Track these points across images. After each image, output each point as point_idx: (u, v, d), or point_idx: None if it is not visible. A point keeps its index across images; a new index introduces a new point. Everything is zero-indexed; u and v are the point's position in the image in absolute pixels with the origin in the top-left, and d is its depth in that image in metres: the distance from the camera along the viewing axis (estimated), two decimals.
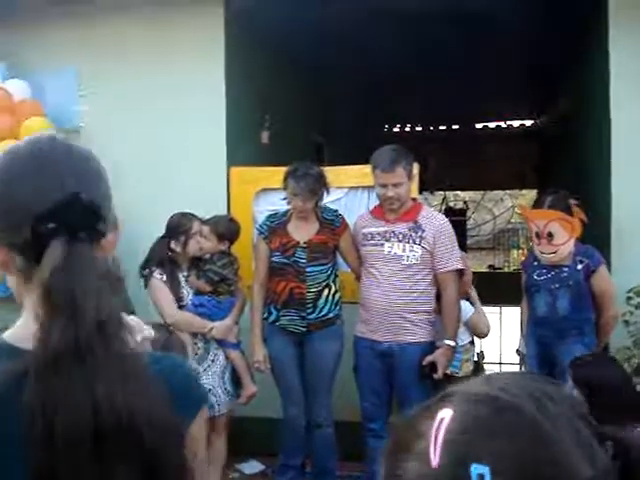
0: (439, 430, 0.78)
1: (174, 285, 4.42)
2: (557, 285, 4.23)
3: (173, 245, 4.42)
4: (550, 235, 4.18)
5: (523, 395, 0.79)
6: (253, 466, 5.32)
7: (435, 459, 0.77)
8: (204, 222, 4.51)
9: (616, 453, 0.78)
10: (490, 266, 20.43)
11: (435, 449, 0.77)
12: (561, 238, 4.17)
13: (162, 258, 4.43)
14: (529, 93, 10.55)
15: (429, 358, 4.25)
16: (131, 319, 1.36)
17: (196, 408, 1.23)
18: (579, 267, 4.19)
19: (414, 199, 4.49)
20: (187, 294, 4.45)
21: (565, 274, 4.21)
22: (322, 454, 4.53)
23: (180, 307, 4.42)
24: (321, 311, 4.38)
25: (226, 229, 4.53)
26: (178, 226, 4.43)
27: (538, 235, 4.24)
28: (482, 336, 4.85)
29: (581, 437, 0.76)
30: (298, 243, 4.39)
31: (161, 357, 1.26)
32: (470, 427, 0.78)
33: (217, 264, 4.46)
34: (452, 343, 4.31)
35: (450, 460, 0.76)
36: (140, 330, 1.36)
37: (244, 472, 5.25)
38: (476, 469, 0.74)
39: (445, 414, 0.79)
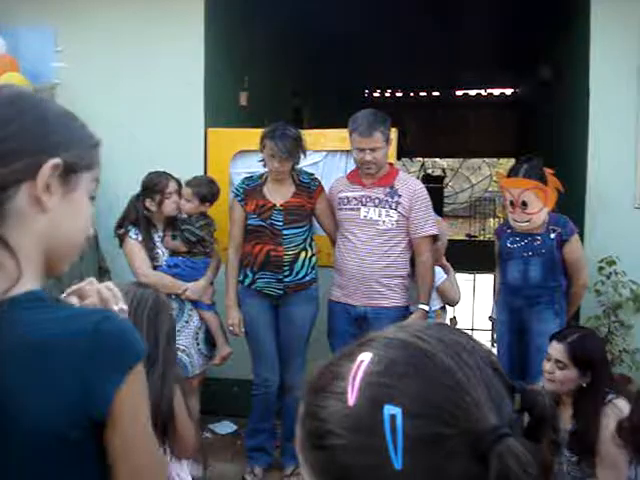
0: (357, 371, 0.83)
1: (149, 245, 4.40)
2: (530, 253, 4.26)
3: (148, 204, 4.39)
4: (524, 204, 4.19)
5: (438, 343, 0.84)
6: (226, 426, 5.35)
7: (352, 399, 0.81)
8: (186, 184, 4.48)
9: (523, 406, 0.85)
10: (467, 234, 20.55)
11: (352, 389, 0.82)
12: (535, 207, 4.19)
13: (137, 217, 4.40)
14: (510, 61, 10.54)
15: (404, 323, 4.27)
16: (108, 288, 1.32)
17: (123, 367, 1.12)
18: (552, 236, 4.22)
19: (391, 164, 4.48)
20: (162, 254, 4.44)
21: (538, 242, 4.24)
22: (294, 415, 4.54)
23: (155, 267, 4.41)
24: (297, 274, 4.38)
25: (208, 191, 4.51)
26: (154, 185, 4.40)
27: (512, 203, 4.25)
28: (453, 304, 4.89)
29: (492, 388, 0.81)
30: (274, 205, 4.37)
31: (93, 311, 1.19)
32: (386, 370, 0.82)
33: (195, 225, 4.45)
34: (426, 307, 4.34)
35: (366, 400, 0.81)
36: (116, 302, 1.31)
37: (217, 432, 5.28)
38: (388, 410, 0.78)
39: (364, 357, 0.84)
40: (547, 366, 3.23)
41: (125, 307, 1.34)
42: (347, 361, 0.86)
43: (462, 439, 0.77)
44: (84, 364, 1.07)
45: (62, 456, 1.09)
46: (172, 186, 4.42)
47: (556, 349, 3.21)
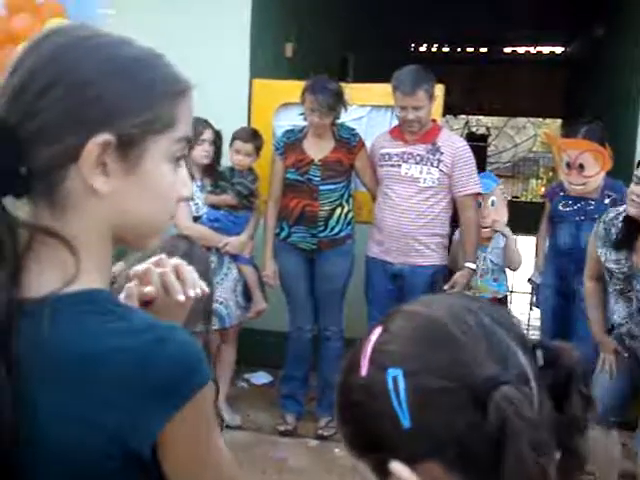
0: (368, 344, 0.89)
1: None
2: (582, 217, 4.16)
3: None
4: (581, 166, 4.06)
5: (442, 309, 0.89)
6: (261, 377, 5.42)
7: (364, 369, 0.88)
8: (239, 138, 4.47)
9: (546, 361, 0.87)
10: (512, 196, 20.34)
11: (364, 360, 0.88)
12: (592, 170, 4.06)
13: None
14: (560, 19, 10.29)
15: (450, 282, 4.28)
16: (178, 270, 1.14)
17: (176, 400, 0.91)
18: (606, 201, 4.11)
19: (434, 121, 4.43)
20: (201, 206, 4.44)
21: (592, 207, 4.14)
22: (329, 367, 4.59)
23: (194, 219, 4.42)
24: (332, 230, 4.39)
25: (260, 143, 4.53)
26: None
27: (569, 165, 4.12)
28: (512, 267, 4.84)
29: (494, 342, 0.85)
30: (313, 161, 4.36)
31: (149, 326, 0.93)
32: (391, 338, 0.88)
33: (247, 178, 4.48)
34: (473, 266, 4.33)
35: (373, 368, 0.87)
36: (188, 288, 1.13)
37: (252, 382, 5.36)
38: (390, 372, 0.85)
39: (376, 331, 0.91)
40: (636, 189, 3.18)
41: (199, 291, 1.15)
42: (366, 338, 0.91)
43: (464, 391, 0.82)
44: (127, 393, 0.89)
45: None
46: (207, 134, 4.41)
47: None
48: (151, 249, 1.11)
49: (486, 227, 4.58)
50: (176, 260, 1.17)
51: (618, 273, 3.38)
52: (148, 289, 1.11)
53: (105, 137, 0.91)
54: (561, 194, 4.29)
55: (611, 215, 3.44)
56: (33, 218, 0.94)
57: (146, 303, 1.13)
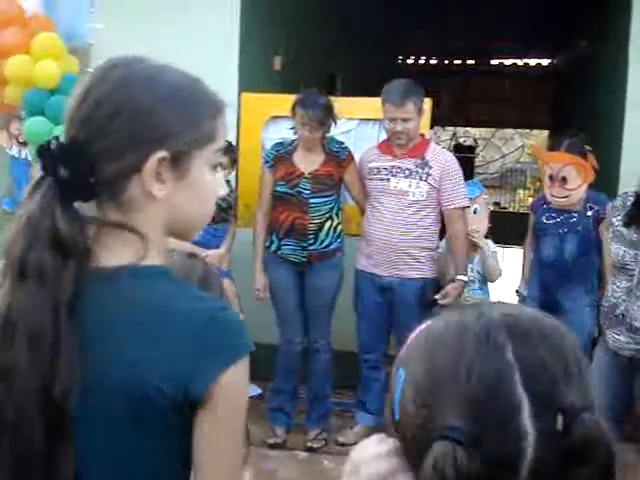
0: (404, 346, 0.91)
1: None
2: (565, 230, 4.20)
3: None
4: (564, 179, 4.11)
5: (456, 329, 0.85)
6: (250, 389, 5.38)
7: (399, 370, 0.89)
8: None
9: (567, 427, 0.77)
10: (496, 203, 20.39)
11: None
12: (574, 183, 4.11)
13: None
14: (547, 31, 10.37)
15: (442, 292, 4.30)
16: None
17: (231, 356, 1.10)
18: (589, 213, 4.15)
19: (422, 135, 4.46)
20: None
21: (574, 219, 4.18)
22: (318, 379, 4.61)
23: None
24: (322, 243, 4.40)
25: (235, 154, 4.55)
26: None
27: (551, 178, 4.17)
28: (492, 280, 4.88)
29: (480, 385, 0.79)
30: (303, 174, 4.38)
31: (210, 298, 1.19)
32: (413, 341, 0.90)
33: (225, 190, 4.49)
34: (465, 278, 4.36)
35: (396, 368, 0.89)
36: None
37: None
38: (399, 373, 0.87)
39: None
40: None
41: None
42: None
43: (421, 421, 0.82)
44: (197, 341, 1.07)
45: (154, 424, 1.08)
46: None
47: None
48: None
49: (474, 235, 4.62)
50: None
51: (626, 245, 3.39)
52: None
53: (162, 154, 1.12)
54: (544, 206, 4.34)
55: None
56: (100, 215, 1.15)
57: None
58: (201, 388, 1.06)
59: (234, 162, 4.54)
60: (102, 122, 1.11)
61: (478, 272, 4.73)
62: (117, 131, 1.11)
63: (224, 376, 1.07)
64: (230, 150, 4.51)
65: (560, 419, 0.76)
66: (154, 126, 1.12)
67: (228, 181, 4.57)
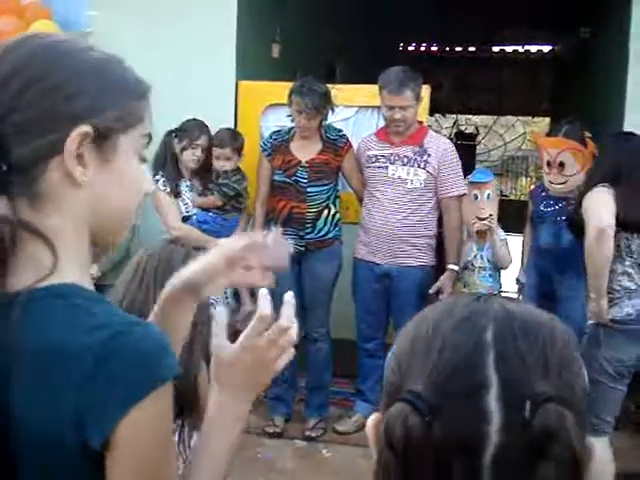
0: None
1: (175, 193, 4.39)
2: (563, 217, 4.19)
3: (175, 144, 4.39)
4: (562, 165, 4.09)
5: (438, 312, 0.83)
6: None
7: None
8: (219, 142, 4.45)
9: (534, 416, 0.73)
10: (499, 192, 20.35)
11: None
12: (572, 169, 4.09)
13: (166, 158, 4.39)
14: (548, 18, 10.31)
15: (437, 285, 4.29)
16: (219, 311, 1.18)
17: (133, 394, 0.92)
18: None
19: (420, 122, 4.44)
20: (190, 205, 4.44)
21: (572, 207, 4.16)
22: (317, 369, 4.60)
23: (183, 219, 4.42)
24: (320, 231, 4.39)
25: (241, 143, 4.52)
26: (188, 128, 4.40)
27: (549, 164, 4.14)
28: (504, 268, 4.85)
29: (443, 360, 0.77)
30: (300, 162, 4.36)
31: (112, 321, 0.96)
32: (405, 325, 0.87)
33: (232, 179, 4.46)
34: (455, 267, 4.34)
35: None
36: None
37: None
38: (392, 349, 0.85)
39: None
40: None
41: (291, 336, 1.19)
42: None
43: (392, 389, 0.81)
44: (85, 384, 0.90)
45: (62, 474, 0.94)
46: (202, 140, 4.41)
47: None
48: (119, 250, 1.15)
49: (484, 218, 4.56)
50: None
51: None
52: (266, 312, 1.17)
53: (85, 129, 0.98)
54: (543, 194, 4.32)
55: None
56: (12, 213, 0.97)
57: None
58: (98, 438, 0.91)
59: (240, 151, 4.50)
60: (13, 96, 0.97)
61: (488, 260, 4.69)
62: (30, 105, 0.97)
63: (125, 420, 0.91)
64: (235, 139, 4.49)
65: (528, 406, 0.73)
66: (73, 98, 0.99)
67: (238, 169, 4.53)
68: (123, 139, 1.04)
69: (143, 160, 1.11)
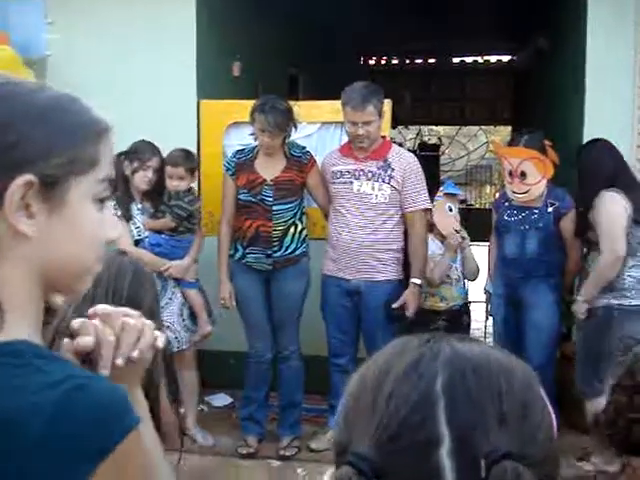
0: None
1: (126, 216, 4.33)
2: (527, 226, 4.23)
3: (125, 165, 4.31)
4: (523, 174, 4.13)
5: (392, 359, 0.77)
6: (222, 399, 5.37)
7: None
8: (172, 162, 4.40)
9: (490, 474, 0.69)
10: (462, 201, 20.47)
11: None
12: (534, 178, 4.13)
13: (116, 180, 4.33)
14: (506, 28, 10.43)
15: (400, 300, 4.29)
16: (116, 325, 1.08)
17: (92, 457, 0.85)
18: (549, 209, 4.18)
19: (384, 137, 4.46)
20: (142, 228, 4.40)
21: (535, 216, 4.21)
22: (289, 386, 4.58)
23: (135, 243, 4.37)
24: (287, 249, 4.37)
25: (194, 164, 4.49)
26: (138, 149, 4.34)
27: (511, 173, 4.19)
28: (472, 279, 4.92)
29: (387, 417, 0.72)
30: (265, 181, 4.34)
31: (66, 377, 0.89)
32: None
33: (184, 200, 4.43)
34: (418, 281, 4.34)
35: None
36: (127, 347, 1.07)
37: (213, 405, 5.30)
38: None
39: None
40: None
41: (136, 354, 1.07)
42: None
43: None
44: (43, 452, 0.84)
45: None
46: (153, 161, 4.36)
47: None
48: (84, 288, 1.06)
49: (458, 231, 4.64)
50: (123, 312, 1.10)
51: None
52: (83, 343, 1.04)
53: (27, 178, 0.91)
54: (506, 204, 4.36)
55: None
56: None
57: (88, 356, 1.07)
58: None
59: (193, 171, 4.47)
60: None
61: (461, 272, 4.76)
62: None
63: (97, 477, 0.84)
64: (188, 159, 4.46)
65: (482, 463, 0.67)
66: (13, 146, 0.92)
67: (190, 189, 4.50)
68: (75, 185, 0.97)
69: (103, 203, 1.02)
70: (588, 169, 4.07)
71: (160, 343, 1.12)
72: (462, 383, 0.71)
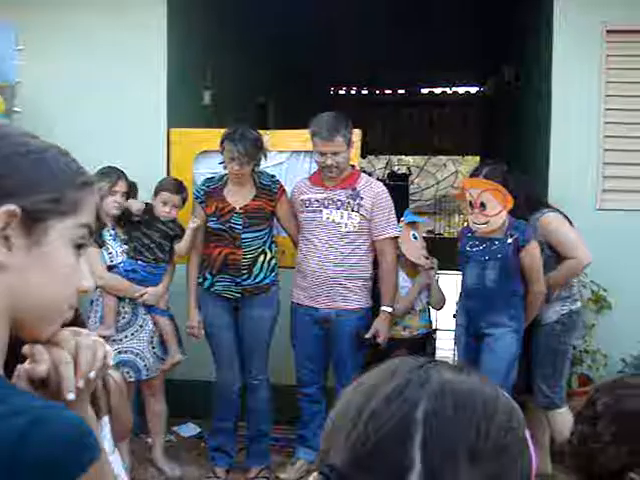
0: None
1: (99, 242, 4.30)
2: (487, 257, 4.24)
3: None
4: (482, 205, 4.17)
5: (378, 384, 0.78)
6: (190, 429, 5.32)
7: None
8: (165, 190, 4.41)
9: None
10: (429, 231, 20.58)
11: None
12: (493, 209, 4.16)
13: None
14: (475, 60, 10.60)
15: (371, 330, 4.29)
16: (71, 347, 1.05)
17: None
18: (509, 241, 4.20)
19: (353, 166, 4.48)
20: (115, 254, 4.37)
21: (495, 247, 4.23)
22: (256, 417, 4.54)
23: (108, 268, 4.34)
24: (256, 277, 4.36)
25: (187, 195, 4.49)
26: (103, 175, 4.30)
27: (471, 204, 4.23)
28: (439, 309, 4.99)
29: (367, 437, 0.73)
30: (234, 209, 4.34)
31: (26, 408, 0.88)
32: None
33: (170, 226, 4.43)
34: (389, 309, 4.35)
35: None
36: (87, 370, 1.05)
37: (181, 434, 5.25)
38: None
39: None
40: None
41: (93, 374, 1.05)
42: None
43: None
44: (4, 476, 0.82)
45: None
46: (121, 185, 4.34)
47: None
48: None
49: (427, 257, 4.72)
50: (74, 331, 1.08)
51: None
52: (39, 369, 1.02)
53: (11, 207, 0.93)
54: (469, 235, 4.38)
55: None
56: None
57: (43, 382, 1.05)
58: None
59: (184, 202, 4.47)
60: None
61: (427, 302, 4.82)
62: None
63: None
64: (182, 189, 4.47)
65: None
66: (2, 177, 0.95)
67: (175, 220, 4.49)
68: (56, 225, 0.99)
69: (79, 250, 1.04)
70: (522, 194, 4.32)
71: (110, 360, 1.11)
72: (442, 415, 0.72)
